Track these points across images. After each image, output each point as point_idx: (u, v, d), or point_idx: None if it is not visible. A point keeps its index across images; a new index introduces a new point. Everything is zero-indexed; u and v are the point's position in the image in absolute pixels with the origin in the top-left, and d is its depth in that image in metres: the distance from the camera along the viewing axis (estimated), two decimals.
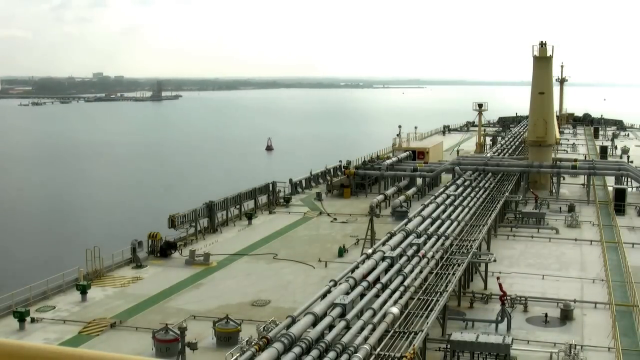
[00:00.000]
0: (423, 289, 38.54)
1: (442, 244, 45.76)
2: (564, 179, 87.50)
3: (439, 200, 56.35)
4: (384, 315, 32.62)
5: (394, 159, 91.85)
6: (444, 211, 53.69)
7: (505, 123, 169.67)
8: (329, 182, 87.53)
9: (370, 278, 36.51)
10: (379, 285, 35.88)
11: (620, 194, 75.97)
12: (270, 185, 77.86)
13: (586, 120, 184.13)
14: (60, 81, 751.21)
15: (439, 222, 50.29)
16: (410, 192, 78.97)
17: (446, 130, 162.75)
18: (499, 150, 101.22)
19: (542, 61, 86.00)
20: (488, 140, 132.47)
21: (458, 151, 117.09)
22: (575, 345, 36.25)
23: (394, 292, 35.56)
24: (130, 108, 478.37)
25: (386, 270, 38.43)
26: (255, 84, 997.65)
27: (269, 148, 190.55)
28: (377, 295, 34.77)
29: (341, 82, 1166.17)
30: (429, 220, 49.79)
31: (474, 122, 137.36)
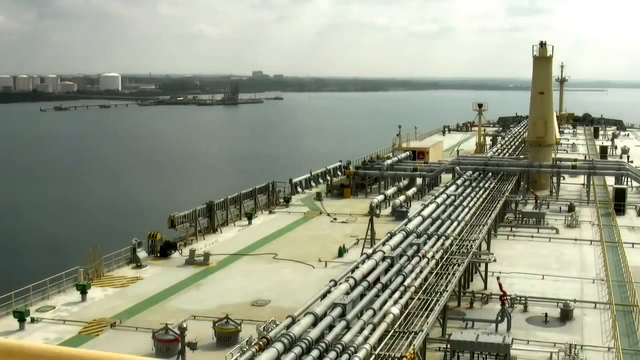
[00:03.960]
0: (423, 289, 38.53)
1: (442, 244, 45.78)
2: (564, 179, 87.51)
3: (439, 200, 56.32)
4: (384, 315, 32.63)
5: (394, 159, 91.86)
6: (444, 211, 53.69)
7: (505, 123, 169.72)
8: (329, 182, 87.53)
9: (371, 278, 36.52)
10: (379, 285, 35.88)
11: (620, 194, 75.92)
12: (270, 185, 77.87)
13: (586, 120, 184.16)
14: (187, 80, 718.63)
15: (439, 222, 50.30)
16: (410, 192, 78.93)
17: (446, 130, 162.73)
18: (499, 150, 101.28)
19: (542, 61, 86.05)
20: (488, 140, 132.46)
21: (458, 151, 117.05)
22: (575, 345, 36.26)
23: (394, 292, 35.58)
24: (174, 113, 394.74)
25: (386, 270, 38.44)
26: (412, 85, 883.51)
27: None
28: (377, 295, 34.77)
29: (510, 83, 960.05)
30: (429, 220, 49.78)
31: (473, 122, 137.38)
